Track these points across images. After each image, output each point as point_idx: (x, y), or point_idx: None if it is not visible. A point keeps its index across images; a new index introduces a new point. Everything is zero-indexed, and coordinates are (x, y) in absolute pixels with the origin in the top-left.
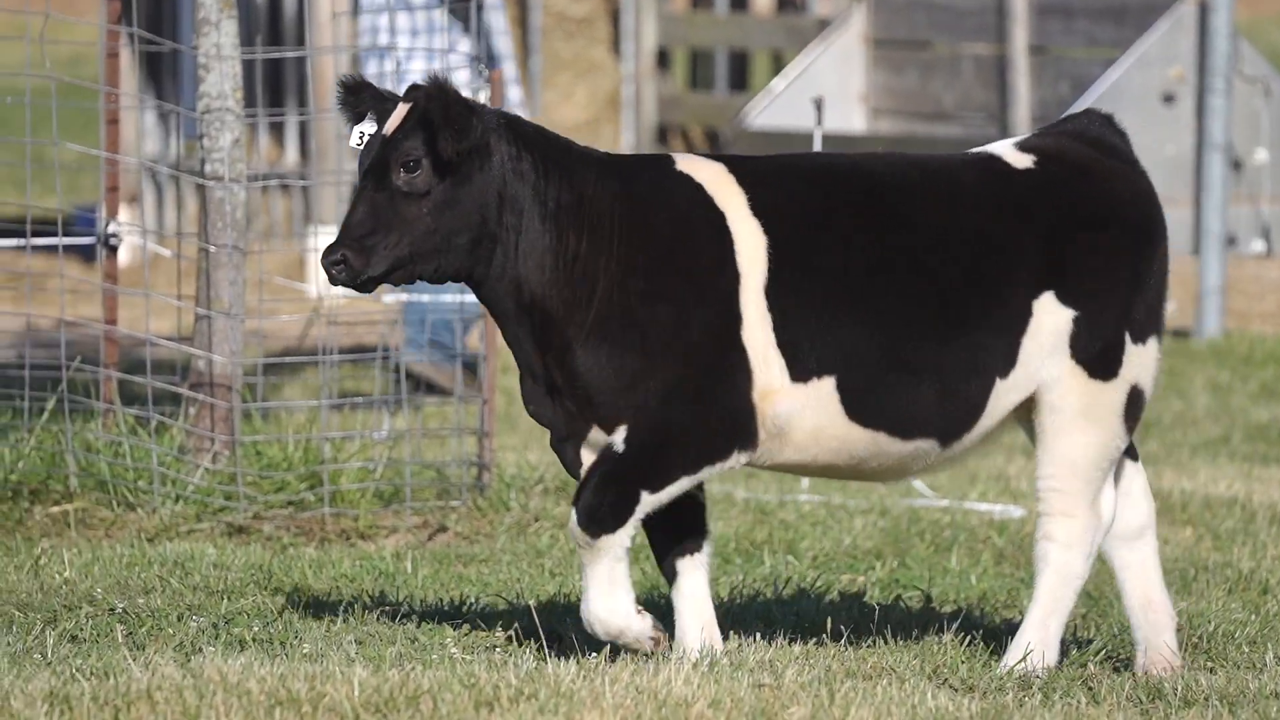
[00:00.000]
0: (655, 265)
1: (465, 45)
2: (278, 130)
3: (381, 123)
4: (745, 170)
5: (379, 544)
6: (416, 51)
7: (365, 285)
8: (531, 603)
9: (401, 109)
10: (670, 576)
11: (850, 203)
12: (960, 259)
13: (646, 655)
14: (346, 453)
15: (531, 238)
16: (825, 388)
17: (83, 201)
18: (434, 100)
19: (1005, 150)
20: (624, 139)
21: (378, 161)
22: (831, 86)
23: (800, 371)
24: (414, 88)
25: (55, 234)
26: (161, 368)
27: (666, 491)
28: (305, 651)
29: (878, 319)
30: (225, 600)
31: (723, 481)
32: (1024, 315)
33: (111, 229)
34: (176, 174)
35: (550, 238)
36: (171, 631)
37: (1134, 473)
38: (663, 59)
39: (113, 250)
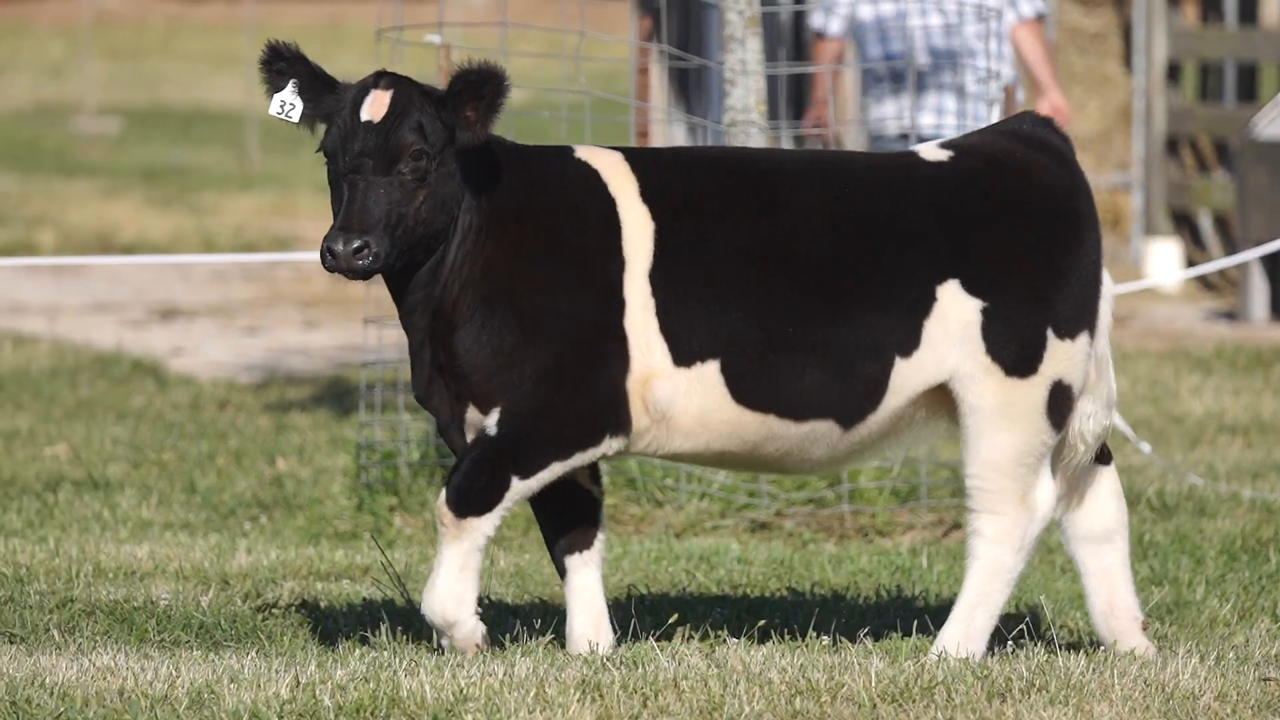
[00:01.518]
0: (543, 250)
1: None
2: (798, 144)
3: (313, 100)
4: (641, 159)
5: (895, 540)
6: (939, 63)
7: (377, 271)
8: (1041, 597)
9: (383, 96)
10: (561, 572)
11: (740, 190)
12: (851, 243)
13: (462, 659)
14: None
15: (461, 231)
16: (708, 371)
17: None
18: (491, 84)
19: (922, 147)
20: (1134, 150)
21: (380, 147)
22: None
23: (682, 355)
24: (383, 74)
25: None
26: None
27: (538, 478)
28: (824, 643)
29: (763, 302)
30: (748, 594)
31: (1229, 480)
32: (926, 299)
33: None
34: None
35: (465, 222)
36: (696, 623)
37: (1105, 476)
38: (1173, 72)
39: None
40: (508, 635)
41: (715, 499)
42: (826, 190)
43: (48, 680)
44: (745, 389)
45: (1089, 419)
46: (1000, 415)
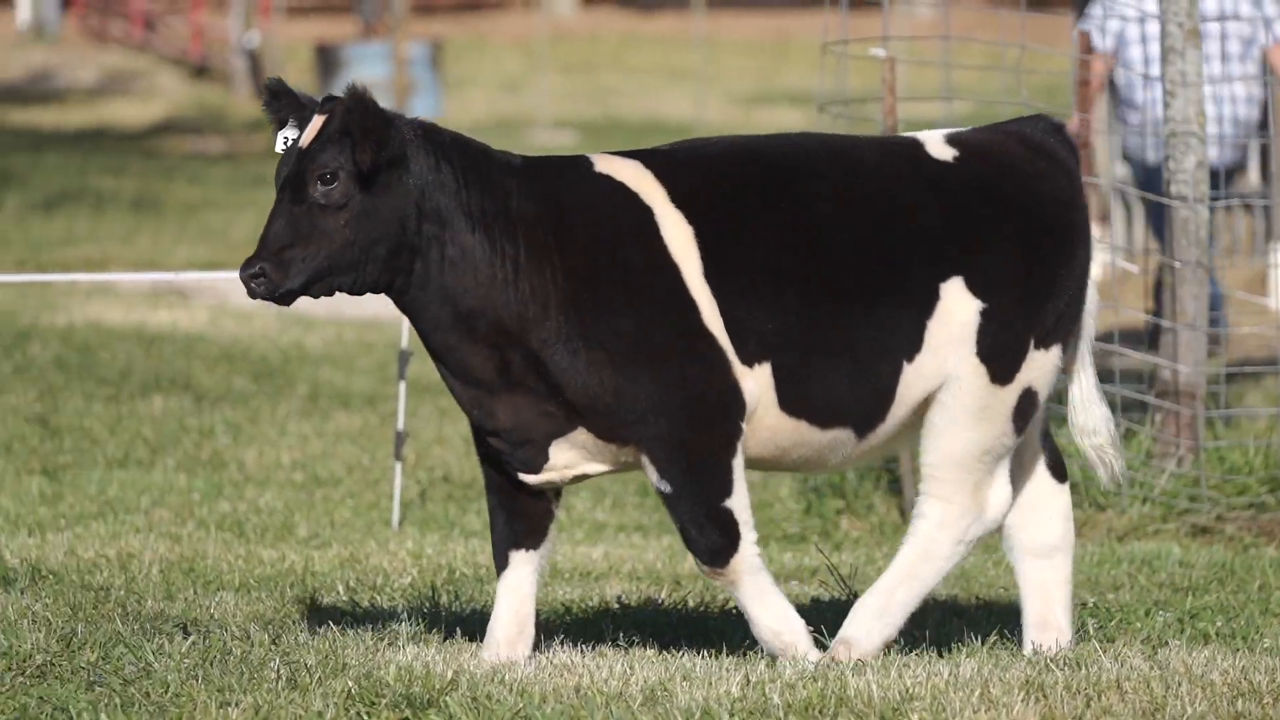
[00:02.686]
0: (600, 274)
1: None
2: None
3: (302, 131)
4: (660, 162)
5: None
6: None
7: (284, 298)
8: None
9: (317, 120)
10: (500, 566)
11: (761, 184)
12: (861, 236)
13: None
14: None
15: (462, 247)
16: (764, 373)
17: None
18: (352, 112)
19: (929, 137)
20: None
21: (295, 173)
22: None
23: (746, 355)
24: (330, 99)
25: None
26: (1129, 377)
27: (738, 484)
28: (1266, 645)
29: (796, 300)
30: (1190, 597)
31: None
32: (930, 297)
33: None
34: (1145, 196)
35: (484, 249)
36: (1139, 625)
37: (1055, 493)
38: None
39: None
40: (951, 636)
41: (1156, 504)
42: (839, 179)
43: (507, 677)
44: (789, 393)
45: (1077, 440)
46: (971, 414)
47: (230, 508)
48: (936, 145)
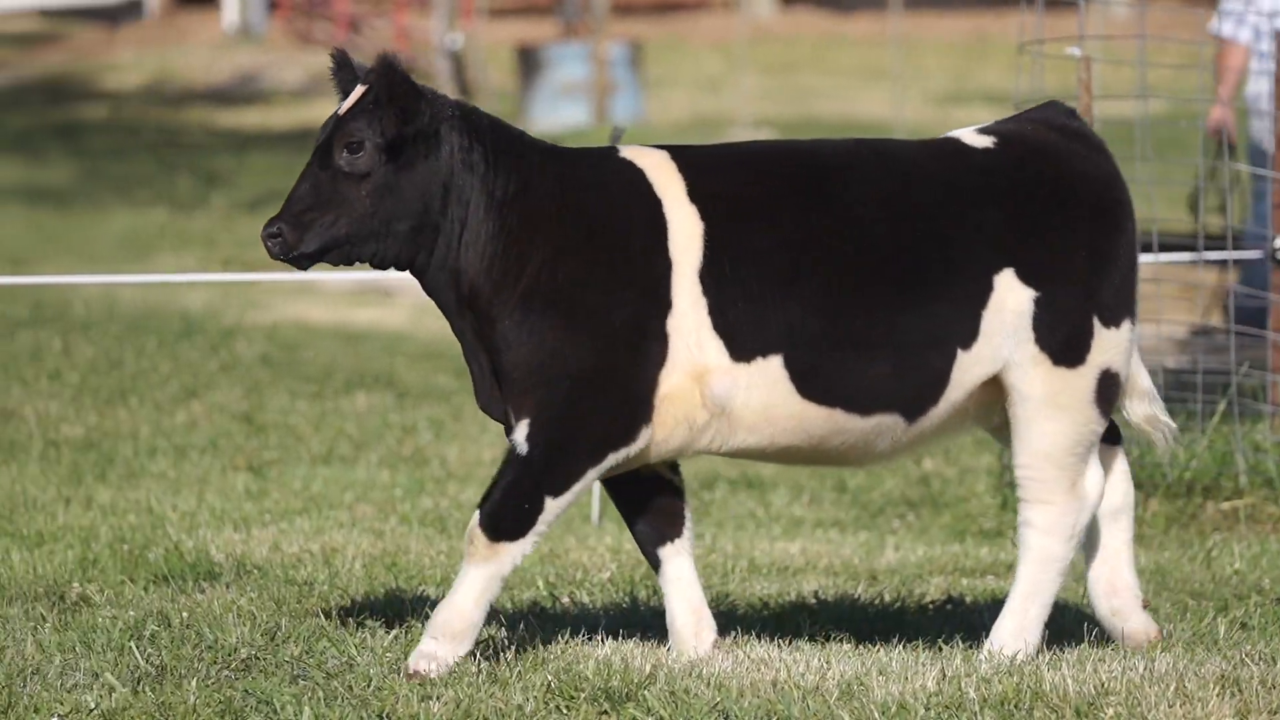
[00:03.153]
0: (586, 249)
1: None
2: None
3: None
4: (687, 157)
5: None
6: None
7: (299, 261)
8: None
9: (359, 90)
10: (655, 565)
11: (793, 184)
12: (911, 235)
13: (424, 676)
14: None
15: (475, 228)
16: (771, 366)
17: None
18: (380, 80)
19: (964, 133)
20: None
21: (326, 139)
22: None
23: (740, 351)
24: (371, 71)
25: (1224, 249)
26: None
27: (572, 491)
28: None
29: (825, 296)
30: None
31: None
32: (984, 289)
33: (1279, 243)
34: None
35: (493, 226)
36: None
37: (1112, 456)
38: None
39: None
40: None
41: None
42: (880, 180)
43: (704, 671)
44: (810, 383)
45: (1128, 413)
46: (1050, 404)
47: (432, 503)
48: (972, 138)
